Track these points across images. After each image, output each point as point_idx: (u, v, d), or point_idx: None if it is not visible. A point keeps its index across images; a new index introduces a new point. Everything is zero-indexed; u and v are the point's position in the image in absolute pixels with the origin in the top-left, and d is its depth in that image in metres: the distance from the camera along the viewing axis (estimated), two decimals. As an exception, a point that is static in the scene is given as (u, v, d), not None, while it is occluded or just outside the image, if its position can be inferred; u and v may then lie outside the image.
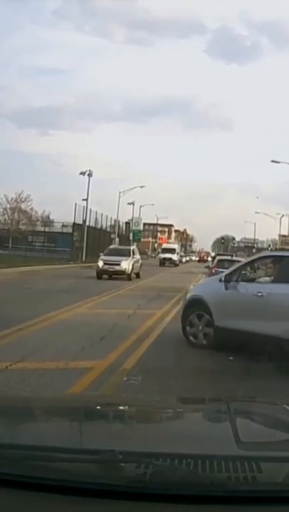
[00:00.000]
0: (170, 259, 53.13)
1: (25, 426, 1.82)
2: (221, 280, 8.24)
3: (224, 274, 8.44)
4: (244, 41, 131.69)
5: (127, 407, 2.26)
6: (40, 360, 6.60)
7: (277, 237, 62.94)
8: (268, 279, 8.43)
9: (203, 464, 1.35)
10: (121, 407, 2.25)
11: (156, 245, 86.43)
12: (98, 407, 2.24)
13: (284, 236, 63.52)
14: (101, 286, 18.91)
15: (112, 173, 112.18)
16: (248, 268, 9.14)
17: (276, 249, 10.24)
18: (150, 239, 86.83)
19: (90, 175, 45.26)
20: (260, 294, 7.49)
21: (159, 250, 73.84)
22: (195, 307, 8.57)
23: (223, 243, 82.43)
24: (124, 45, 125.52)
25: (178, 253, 58.62)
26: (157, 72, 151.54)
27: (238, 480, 1.32)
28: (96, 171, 57.92)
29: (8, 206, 46.44)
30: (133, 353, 7.44)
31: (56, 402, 2.36)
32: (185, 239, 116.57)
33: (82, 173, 45.43)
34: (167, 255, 54.29)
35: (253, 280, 8.59)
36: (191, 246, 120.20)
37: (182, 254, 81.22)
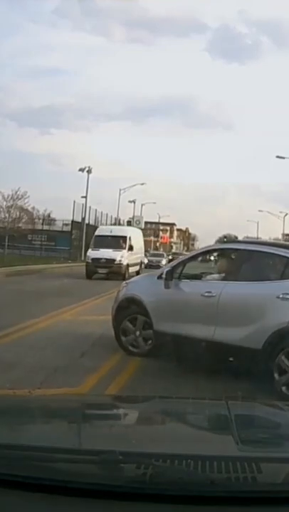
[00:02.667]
0: (111, 262, 23.01)
1: (25, 426, 1.83)
2: (160, 277, 7.05)
3: (164, 269, 7.27)
4: (245, 40, 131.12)
5: (127, 407, 2.26)
6: None
7: (280, 236, 62.65)
8: (217, 276, 7.19)
9: (203, 464, 1.35)
10: (121, 408, 2.26)
11: (158, 244, 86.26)
12: (98, 408, 2.25)
13: (287, 235, 63.28)
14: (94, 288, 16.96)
15: (113, 173, 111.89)
16: (194, 263, 7.88)
17: (229, 241, 8.07)
18: (152, 238, 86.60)
19: (89, 171, 45.13)
20: (209, 293, 6.35)
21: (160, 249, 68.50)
22: (130, 309, 7.37)
23: (225, 242, 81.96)
24: (125, 45, 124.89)
25: (133, 247, 25.12)
26: (158, 71, 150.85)
27: (238, 480, 1.32)
28: (97, 170, 57.62)
29: (5, 204, 46.14)
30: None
31: (56, 403, 2.36)
32: (187, 237, 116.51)
33: (81, 170, 45.29)
34: (104, 253, 23.41)
35: (199, 277, 7.38)
36: (193, 245, 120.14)
37: (173, 252, 60.88)
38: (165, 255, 46.89)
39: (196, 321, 6.42)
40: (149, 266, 30.45)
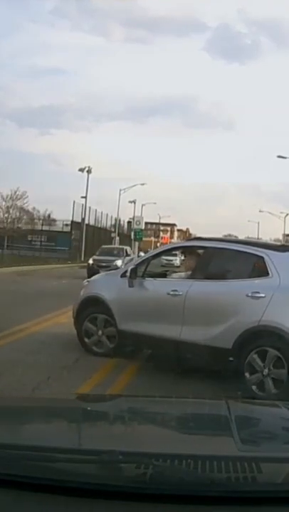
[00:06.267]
0: None
1: (25, 426, 1.83)
2: (123, 275, 6.87)
3: (129, 267, 6.98)
4: (244, 39, 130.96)
5: (127, 407, 2.26)
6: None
7: (281, 237, 62.62)
8: (183, 274, 7.03)
9: (203, 464, 1.35)
10: (121, 407, 2.25)
11: (158, 244, 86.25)
12: (98, 408, 2.25)
13: (288, 235, 63.22)
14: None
15: (113, 173, 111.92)
16: (157, 261, 7.59)
17: (194, 238, 8.19)
18: (152, 238, 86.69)
19: (88, 171, 45.08)
20: (175, 292, 6.21)
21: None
22: (92, 308, 7.18)
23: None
24: (124, 44, 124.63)
25: None
26: (158, 71, 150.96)
27: (238, 480, 1.32)
28: (97, 170, 57.35)
29: (4, 204, 45.90)
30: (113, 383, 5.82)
31: (56, 403, 2.36)
32: (188, 238, 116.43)
33: (81, 170, 45.18)
34: None
35: (163, 275, 7.31)
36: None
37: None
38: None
39: (161, 320, 6.28)
40: None
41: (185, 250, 7.74)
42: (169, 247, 9.35)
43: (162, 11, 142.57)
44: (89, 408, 2.22)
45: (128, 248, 29.91)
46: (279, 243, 12.71)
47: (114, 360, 6.77)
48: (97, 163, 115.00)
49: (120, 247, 30.39)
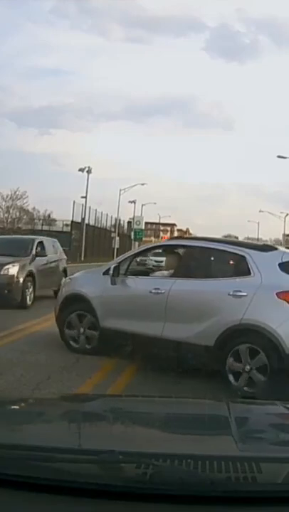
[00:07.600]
0: None
1: (25, 426, 1.82)
2: (105, 273, 6.92)
3: (111, 265, 7.01)
4: (244, 39, 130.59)
5: (127, 407, 2.26)
6: None
7: (281, 237, 62.65)
8: (165, 272, 7.13)
9: (203, 464, 1.35)
10: (121, 407, 2.25)
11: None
12: (98, 407, 2.24)
13: (288, 235, 63.21)
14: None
15: (114, 173, 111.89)
16: (139, 259, 7.59)
17: (176, 238, 7.71)
18: (152, 238, 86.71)
19: (88, 172, 45.17)
20: (157, 290, 6.29)
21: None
22: (75, 305, 7.23)
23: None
24: (124, 44, 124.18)
25: None
26: (158, 71, 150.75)
27: (238, 480, 1.32)
28: (97, 170, 57.32)
29: (4, 204, 45.98)
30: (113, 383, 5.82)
31: (56, 402, 2.36)
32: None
33: (81, 170, 45.27)
34: None
35: (146, 273, 7.43)
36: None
37: None
38: None
39: (143, 318, 6.35)
40: None
41: (168, 249, 7.80)
42: (151, 245, 9.42)
43: (161, 11, 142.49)
44: (89, 408, 2.21)
45: (45, 240, 14.47)
46: (271, 243, 12.78)
47: (114, 361, 6.75)
48: (97, 163, 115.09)
49: (29, 237, 15.27)
